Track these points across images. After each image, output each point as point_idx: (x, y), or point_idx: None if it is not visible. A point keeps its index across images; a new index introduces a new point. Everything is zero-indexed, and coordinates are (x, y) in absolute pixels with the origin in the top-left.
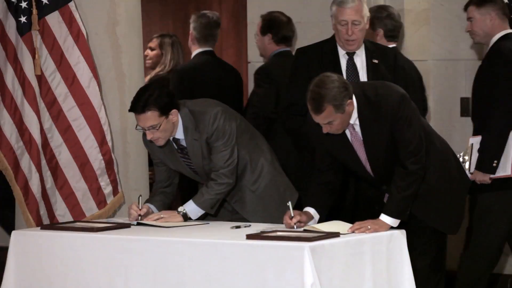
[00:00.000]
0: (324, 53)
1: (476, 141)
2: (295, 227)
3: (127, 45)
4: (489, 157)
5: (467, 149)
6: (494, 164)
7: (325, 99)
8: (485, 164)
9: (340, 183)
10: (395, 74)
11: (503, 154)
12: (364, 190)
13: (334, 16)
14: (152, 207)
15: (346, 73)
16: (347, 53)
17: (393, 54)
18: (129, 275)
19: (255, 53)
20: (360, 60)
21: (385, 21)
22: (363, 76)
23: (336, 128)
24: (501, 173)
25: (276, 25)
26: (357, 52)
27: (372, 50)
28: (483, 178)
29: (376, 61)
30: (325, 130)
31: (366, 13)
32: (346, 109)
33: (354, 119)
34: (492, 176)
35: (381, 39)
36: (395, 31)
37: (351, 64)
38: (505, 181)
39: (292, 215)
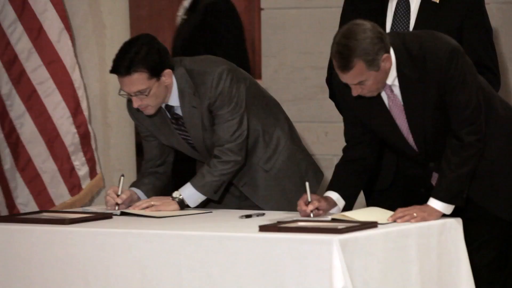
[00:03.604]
0: None
1: None
2: (311, 215)
3: None
4: None
5: None
6: None
7: (355, 53)
8: None
9: (374, 160)
10: (468, 19)
11: None
12: (406, 168)
13: None
14: (139, 192)
15: (394, 17)
16: None
17: None
18: (111, 277)
19: None
20: (416, 0)
21: None
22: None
23: (369, 90)
24: None
25: None
26: None
27: None
28: None
29: (436, 0)
30: (355, 92)
31: None
32: (381, 66)
33: (392, 78)
34: None
35: None
36: None
37: (404, 5)
38: None
39: (310, 199)
